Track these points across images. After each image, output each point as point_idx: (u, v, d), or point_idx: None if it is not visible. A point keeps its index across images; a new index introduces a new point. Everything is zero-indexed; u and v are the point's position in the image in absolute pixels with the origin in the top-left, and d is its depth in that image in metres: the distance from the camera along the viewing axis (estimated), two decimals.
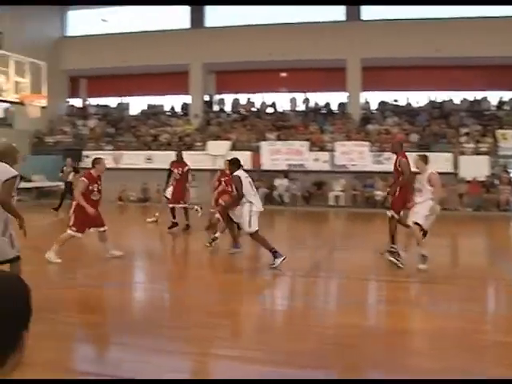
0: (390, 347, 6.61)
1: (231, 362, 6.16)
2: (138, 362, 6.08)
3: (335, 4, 31.32)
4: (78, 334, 7.38)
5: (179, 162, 17.79)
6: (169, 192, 18.45)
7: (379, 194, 27.19)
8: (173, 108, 36.50)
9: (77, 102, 38.92)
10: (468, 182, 26.67)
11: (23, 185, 30.23)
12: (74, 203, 11.92)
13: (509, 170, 27.34)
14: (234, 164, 12.51)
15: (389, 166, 27.58)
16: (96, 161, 12.18)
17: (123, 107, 37.42)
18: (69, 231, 11.80)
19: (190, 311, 8.27)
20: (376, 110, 33.17)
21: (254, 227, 11.98)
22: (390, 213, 12.84)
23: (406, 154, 13.58)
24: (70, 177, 23.54)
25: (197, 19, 34.82)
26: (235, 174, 12.19)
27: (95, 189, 11.78)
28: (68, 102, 38.35)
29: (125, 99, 37.86)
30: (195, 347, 6.76)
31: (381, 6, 30.38)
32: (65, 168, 24.36)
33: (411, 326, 7.60)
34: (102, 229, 11.98)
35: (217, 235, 13.87)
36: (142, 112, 36.80)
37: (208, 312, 8.04)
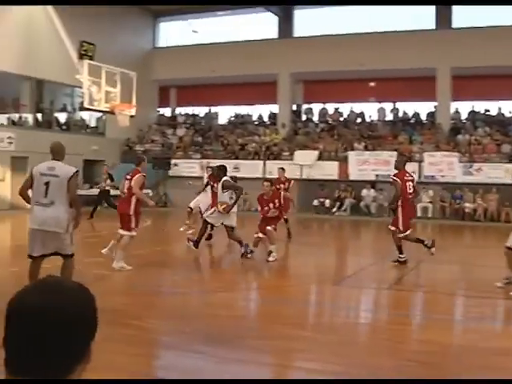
0: (476, 367, 6.36)
1: (309, 375, 6.07)
2: (215, 371, 6.06)
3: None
4: (159, 340, 7.43)
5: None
6: (193, 203, 18.34)
7: (468, 205, 26.60)
8: (260, 117, 36.65)
9: (166, 111, 39.61)
10: None
11: (113, 192, 31.07)
12: (133, 202, 11.71)
13: None
14: (221, 170, 13.48)
15: (479, 178, 27.29)
16: (140, 161, 12.06)
17: (211, 116, 37.83)
18: (129, 233, 11.78)
19: (270, 322, 8.21)
20: (466, 119, 32.42)
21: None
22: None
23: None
24: (106, 183, 23.62)
25: (285, 29, 34.94)
26: (225, 178, 13.14)
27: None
28: (158, 111, 39.08)
29: (213, 108, 38.27)
30: (274, 358, 6.70)
31: (471, 12, 29.76)
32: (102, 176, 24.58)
33: (497, 344, 7.29)
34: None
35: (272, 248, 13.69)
36: (230, 121, 37.12)
37: (288, 323, 7.96)
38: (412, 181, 12.84)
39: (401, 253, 12.91)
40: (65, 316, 1.64)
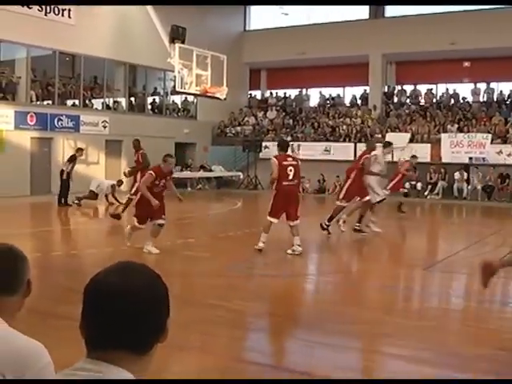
0: None
1: (396, 361, 6.00)
2: (303, 355, 6.07)
3: None
4: (248, 322, 7.50)
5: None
6: None
7: None
8: (352, 99, 36.26)
9: (257, 94, 39.72)
10: None
11: (204, 174, 31.49)
12: (138, 196, 12.13)
13: None
14: None
15: None
16: (165, 157, 11.88)
17: (302, 98, 37.70)
18: (133, 223, 12.18)
19: (358, 306, 8.16)
20: None
21: None
22: None
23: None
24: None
25: (376, 9, 34.37)
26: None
27: (161, 183, 11.68)
28: (249, 94, 39.24)
29: (304, 91, 38.14)
30: (362, 343, 6.67)
31: None
32: None
33: None
34: (159, 221, 11.85)
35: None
36: (321, 103, 36.91)
37: (377, 308, 7.89)
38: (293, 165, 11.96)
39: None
40: (143, 295, 1.75)
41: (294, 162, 11.95)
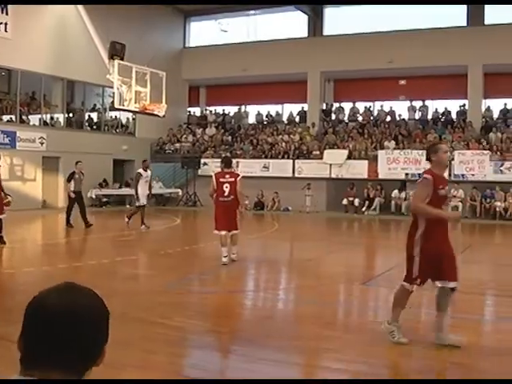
0: (507, 368, 6.32)
1: (336, 375, 6.08)
2: (242, 369, 6.11)
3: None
4: (189, 339, 7.49)
5: None
6: None
7: (499, 204, 26.36)
8: (290, 116, 36.61)
9: (196, 111, 39.78)
10: None
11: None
12: None
13: None
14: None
15: (510, 176, 26.97)
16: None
17: (241, 115, 37.91)
18: None
19: (299, 322, 8.24)
20: (498, 118, 32.11)
21: None
22: None
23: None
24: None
25: (315, 28, 34.89)
26: None
27: None
28: (188, 110, 39.26)
29: (243, 108, 38.36)
30: (302, 358, 6.74)
31: (503, 8, 29.46)
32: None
33: None
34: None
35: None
36: (260, 120, 37.15)
37: (317, 323, 7.98)
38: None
39: None
40: (82, 318, 1.75)
41: (230, 179, 12.64)
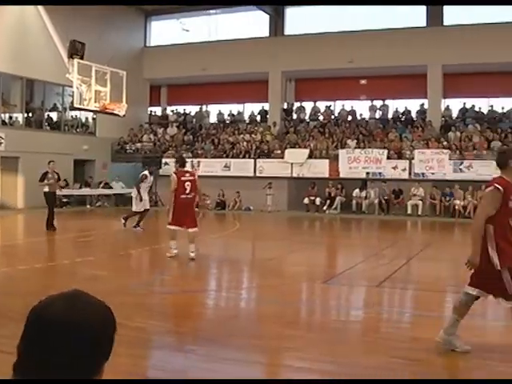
0: (462, 365, 6.40)
1: (299, 374, 6.09)
2: (203, 369, 6.09)
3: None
4: (149, 339, 7.44)
5: None
6: None
7: (459, 203, 26.69)
8: (251, 116, 36.62)
9: (157, 110, 39.57)
10: None
11: (104, 191, 31.07)
12: None
13: None
14: None
15: (469, 175, 27.34)
16: None
17: (202, 115, 37.80)
18: None
19: (260, 321, 8.25)
20: (457, 117, 32.50)
21: None
22: None
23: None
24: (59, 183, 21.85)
25: (276, 27, 34.95)
26: None
27: None
28: (149, 110, 39.04)
29: (204, 107, 38.27)
30: (264, 357, 6.74)
31: (462, 9, 29.85)
32: None
33: (485, 341, 7.32)
34: None
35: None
36: (221, 120, 37.09)
37: (279, 322, 7.98)
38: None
39: None
40: (85, 333, 1.66)
41: (191, 178, 13.07)
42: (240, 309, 9.45)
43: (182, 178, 12.94)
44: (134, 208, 19.54)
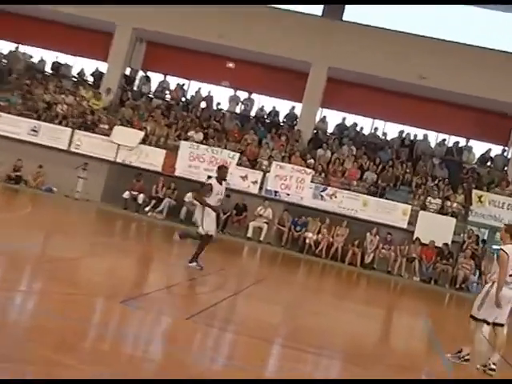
0: None
1: None
2: None
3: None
4: None
5: None
6: None
7: (311, 236, 27.00)
8: (81, 74, 35.79)
9: None
10: (423, 244, 26.67)
11: None
12: None
13: (478, 241, 27.31)
14: None
15: (330, 205, 27.79)
16: None
17: (17, 57, 36.31)
18: None
19: (29, 339, 7.83)
20: (332, 133, 33.16)
21: None
22: None
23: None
24: None
25: None
26: None
27: None
28: None
29: (22, 47, 36.88)
30: None
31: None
32: None
33: None
34: None
35: None
36: (41, 69, 35.91)
37: (54, 343, 7.64)
38: None
39: None
40: None
41: None
42: (5, 320, 8.97)
43: None
44: None
